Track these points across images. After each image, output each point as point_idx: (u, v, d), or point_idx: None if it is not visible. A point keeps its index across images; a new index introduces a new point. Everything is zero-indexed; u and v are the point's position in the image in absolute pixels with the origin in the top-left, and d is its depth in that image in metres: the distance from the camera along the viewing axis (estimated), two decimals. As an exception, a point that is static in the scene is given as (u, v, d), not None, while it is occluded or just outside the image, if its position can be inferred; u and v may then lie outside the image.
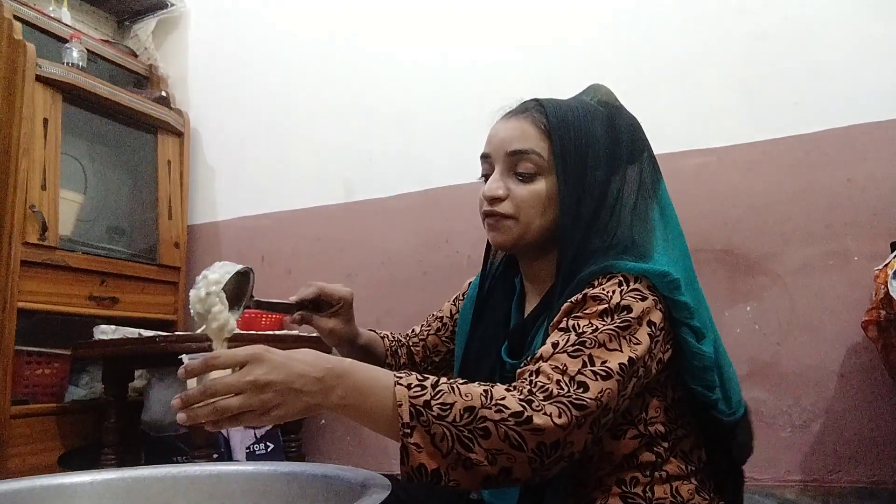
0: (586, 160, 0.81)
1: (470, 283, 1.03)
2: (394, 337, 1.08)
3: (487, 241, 0.92)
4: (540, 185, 0.82)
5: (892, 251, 1.41)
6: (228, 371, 0.65)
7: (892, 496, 1.52)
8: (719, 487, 0.83)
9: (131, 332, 1.96)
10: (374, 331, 1.06)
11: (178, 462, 1.89)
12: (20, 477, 0.85)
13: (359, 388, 0.65)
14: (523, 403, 0.64)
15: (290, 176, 2.44)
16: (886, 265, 1.38)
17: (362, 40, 2.35)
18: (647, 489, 0.75)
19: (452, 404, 0.63)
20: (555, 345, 0.70)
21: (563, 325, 0.72)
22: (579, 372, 0.67)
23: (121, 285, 2.22)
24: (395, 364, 1.04)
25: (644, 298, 0.72)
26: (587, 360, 0.68)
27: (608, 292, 0.72)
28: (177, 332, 2.23)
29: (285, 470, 0.87)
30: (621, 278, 0.73)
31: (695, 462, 0.80)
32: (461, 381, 0.67)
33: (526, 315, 0.89)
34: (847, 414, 1.59)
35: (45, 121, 2.03)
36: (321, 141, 2.39)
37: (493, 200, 0.83)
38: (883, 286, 1.35)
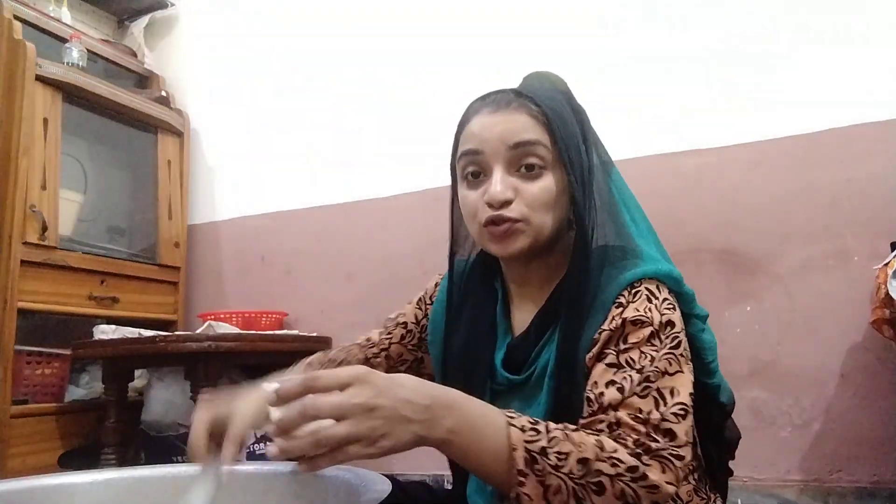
0: (579, 149, 0.78)
1: (437, 285, 0.95)
2: (354, 355, 0.96)
3: (451, 240, 0.87)
4: (547, 181, 0.75)
5: (892, 251, 1.41)
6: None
7: (892, 496, 1.52)
8: (713, 485, 0.83)
9: (131, 332, 1.96)
10: (324, 356, 0.96)
11: (178, 462, 1.89)
12: (20, 477, 0.85)
13: (470, 424, 0.59)
14: (635, 459, 0.60)
15: (290, 176, 2.44)
16: (886, 265, 1.38)
17: (362, 39, 2.35)
18: None
19: (568, 454, 0.59)
20: (620, 389, 0.65)
21: (610, 359, 0.67)
22: (663, 418, 0.63)
23: (121, 285, 2.22)
24: None
25: (674, 307, 0.70)
26: (658, 398, 0.64)
27: (645, 311, 0.68)
28: (177, 332, 2.23)
29: (285, 470, 0.87)
30: (647, 291, 0.70)
31: (692, 461, 0.80)
32: (572, 427, 0.63)
33: (514, 322, 0.84)
34: (847, 414, 1.59)
35: (45, 120, 2.03)
36: (321, 141, 2.39)
37: (503, 204, 0.74)
38: (883, 286, 1.35)
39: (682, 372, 0.66)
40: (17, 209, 1.92)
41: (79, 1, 2.61)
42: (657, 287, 0.71)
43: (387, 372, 0.91)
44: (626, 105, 1.85)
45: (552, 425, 0.62)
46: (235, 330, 1.98)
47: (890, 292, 1.30)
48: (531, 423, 0.61)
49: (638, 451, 0.61)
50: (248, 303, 2.38)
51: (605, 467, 0.59)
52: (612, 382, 0.65)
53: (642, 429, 0.62)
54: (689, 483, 0.78)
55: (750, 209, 1.74)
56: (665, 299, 0.70)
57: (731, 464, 0.86)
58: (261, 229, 2.47)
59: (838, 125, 1.68)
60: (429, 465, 1.91)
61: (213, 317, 2.12)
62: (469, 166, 0.79)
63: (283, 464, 0.84)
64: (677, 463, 0.61)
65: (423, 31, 2.25)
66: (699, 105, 1.83)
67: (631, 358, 0.66)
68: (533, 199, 0.75)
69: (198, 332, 1.87)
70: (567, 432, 0.61)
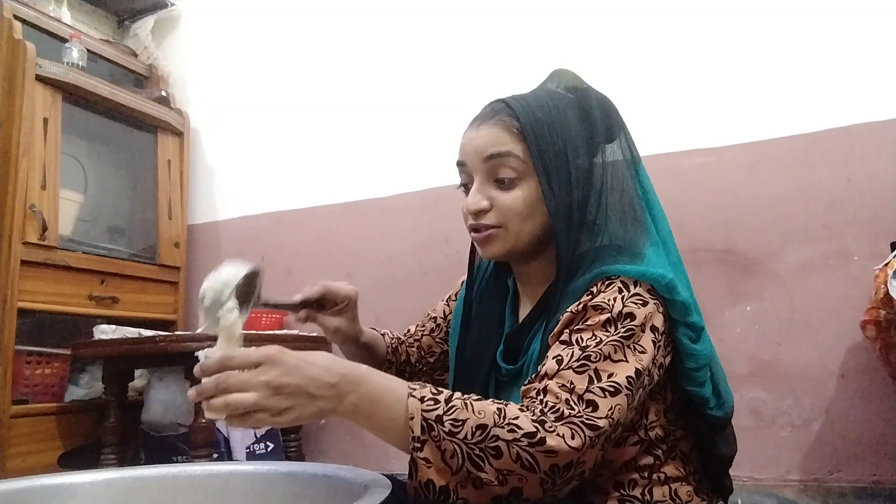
0: (566, 154, 0.79)
1: (463, 282, 1.01)
2: (394, 335, 1.07)
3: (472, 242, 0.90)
4: (523, 190, 0.79)
5: (892, 251, 1.41)
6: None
7: (892, 496, 1.52)
8: (714, 488, 0.83)
9: (131, 331, 1.96)
10: (375, 329, 1.06)
11: (178, 462, 1.89)
12: (20, 477, 0.85)
13: (371, 397, 0.65)
14: (536, 424, 0.63)
15: (290, 176, 2.44)
16: (886, 265, 1.38)
17: (362, 39, 2.35)
18: (646, 491, 0.75)
19: (465, 421, 0.63)
20: (559, 361, 0.68)
21: (564, 337, 0.71)
22: (587, 390, 0.66)
23: (121, 285, 2.22)
24: (396, 361, 1.03)
25: (646, 303, 0.71)
26: (594, 376, 0.66)
27: (609, 300, 0.70)
28: (177, 332, 2.23)
29: (285, 470, 0.87)
30: (621, 284, 0.72)
31: (693, 463, 0.80)
32: (475, 397, 0.66)
33: (521, 319, 0.87)
34: (847, 414, 1.59)
35: (45, 120, 2.03)
36: (321, 141, 2.39)
37: (478, 213, 0.80)
38: (883, 286, 1.35)
39: (625, 361, 0.68)
40: (17, 209, 1.92)
41: (79, 1, 2.62)
42: (634, 283, 0.72)
43: (418, 360, 1.04)
44: (627, 105, 1.85)
45: (456, 395, 0.66)
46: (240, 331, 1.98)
47: (890, 292, 1.30)
48: (433, 393, 0.66)
49: (542, 418, 0.64)
50: (248, 303, 2.37)
51: (502, 433, 0.62)
52: (556, 356, 0.69)
53: (564, 396, 0.66)
54: (690, 484, 0.78)
55: (750, 209, 1.74)
56: (636, 294, 0.71)
57: (732, 465, 0.86)
58: (261, 229, 2.47)
59: (838, 125, 1.68)
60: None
61: (213, 317, 2.12)
62: (461, 176, 0.85)
63: (284, 464, 0.84)
64: (589, 432, 0.63)
65: (422, 30, 2.25)
66: (699, 105, 1.83)
67: (581, 337, 0.70)
68: (507, 208, 0.79)
69: (198, 332, 1.86)
70: (468, 402, 0.65)
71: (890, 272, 1.32)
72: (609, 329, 0.69)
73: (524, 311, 0.88)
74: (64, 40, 2.23)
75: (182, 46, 2.76)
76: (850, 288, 1.60)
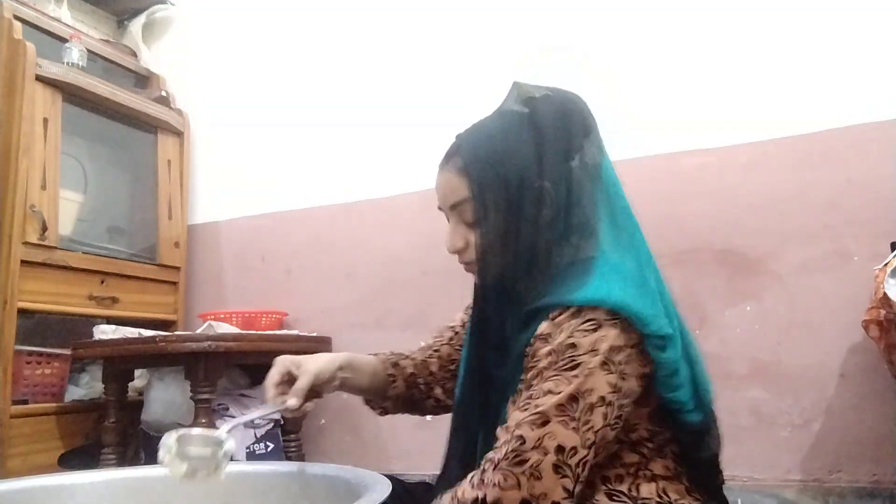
0: (507, 184, 0.78)
1: None
2: (391, 353, 1.06)
3: None
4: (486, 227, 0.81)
5: (892, 251, 1.41)
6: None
7: (892, 496, 1.52)
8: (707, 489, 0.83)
9: (131, 331, 1.96)
10: (371, 354, 1.05)
11: (178, 462, 1.88)
12: (20, 477, 0.85)
13: None
14: (477, 487, 0.67)
15: (290, 176, 2.44)
16: (886, 265, 1.38)
17: (363, 39, 2.35)
18: (632, 487, 0.75)
19: None
20: (514, 402, 0.71)
21: (523, 375, 0.73)
22: (517, 425, 0.68)
23: (121, 285, 2.22)
24: (400, 374, 1.03)
25: (597, 328, 0.69)
26: (525, 410, 0.69)
27: (555, 331, 0.71)
28: (177, 332, 2.23)
29: (285, 470, 0.87)
30: (574, 310, 0.71)
31: (686, 463, 0.79)
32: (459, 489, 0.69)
33: None
34: (847, 414, 1.59)
35: (45, 120, 2.03)
36: (321, 141, 2.39)
37: (457, 252, 0.85)
38: (882, 286, 1.35)
39: (562, 389, 0.68)
40: (17, 209, 1.92)
41: (79, 1, 2.61)
42: (592, 308, 0.71)
43: (440, 369, 1.04)
44: (626, 105, 1.85)
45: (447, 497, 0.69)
46: (235, 330, 1.98)
47: (887, 292, 1.30)
48: None
49: (482, 476, 0.68)
50: (248, 303, 2.38)
51: None
52: (513, 400, 0.73)
53: (503, 437, 0.69)
54: (682, 483, 0.78)
55: (750, 209, 1.74)
56: (589, 320, 0.70)
57: (731, 465, 0.86)
58: (261, 229, 2.47)
59: (838, 125, 1.68)
60: (429, 466, 1.91)
61: (213, 317, 2.12)
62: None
63: (283, 464, 0.84)
64: (517, 469, 0.66)
65: (422, 30, 2.25)
66: (699, 105, 1.83)
67: (526, 377, 0.72)
68: (478, 246, 0.82)
69: (198, 332, 1.86)
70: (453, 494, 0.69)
71: (888, 272, 1.32)
72: (550, 361, 0.70)
73: None
74: (64, 40, 2.23)
75: (182, 45, 2.76)
76: (850, 288, 1.60)
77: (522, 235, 0.78)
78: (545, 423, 0.67)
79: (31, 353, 2.00)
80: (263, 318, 2.21)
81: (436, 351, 1.06)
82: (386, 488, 0.70)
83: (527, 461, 0.65)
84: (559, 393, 0.67)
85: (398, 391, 1.02)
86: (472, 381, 0.88)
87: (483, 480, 0.66)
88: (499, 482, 0.65)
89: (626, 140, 1.78)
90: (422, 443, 1.96)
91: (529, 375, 0.72)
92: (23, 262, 1.91)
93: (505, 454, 0.67)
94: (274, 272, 2.42)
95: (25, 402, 1.94)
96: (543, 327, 0.73)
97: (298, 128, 2.43)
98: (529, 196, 0.78)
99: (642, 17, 1.93)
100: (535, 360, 0.72)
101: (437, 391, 1.04)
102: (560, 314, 0.72)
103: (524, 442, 0.66)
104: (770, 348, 1.68)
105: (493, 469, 0.67)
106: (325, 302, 2.28)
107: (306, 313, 2.31)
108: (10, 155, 1.94)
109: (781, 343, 1.67)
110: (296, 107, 2.44)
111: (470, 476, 0.70)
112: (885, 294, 1.32)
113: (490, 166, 0.79)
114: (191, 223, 2.57)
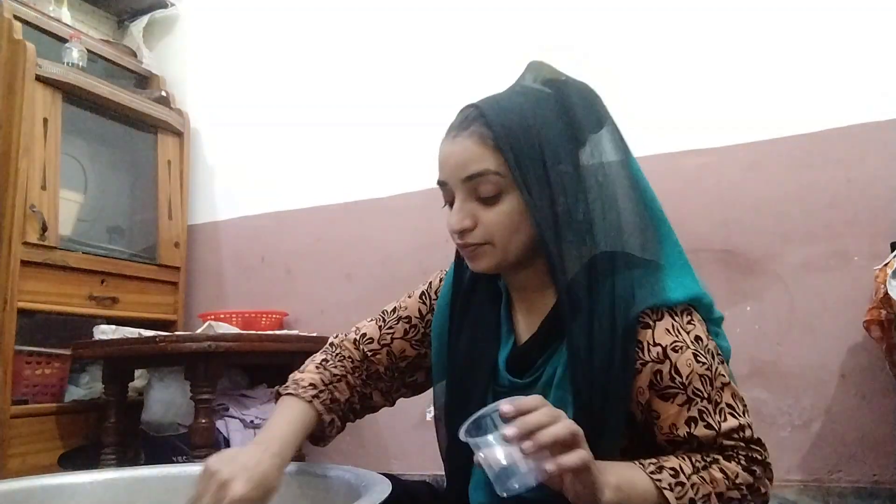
0: (545, 161, 0.75)
1: (441, 280, 0.95)
2: (319, 391, 0.87)
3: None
4: (506, 205, 0.76)
5: (892, 251, 1.41)
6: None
7: (892, 496, 1.52)
8: None
9: (131, 332, 1.96)
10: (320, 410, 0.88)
11: (178, 462, 1.89)
12: (20, 477, 0.85)
13: (623, 485, 0.68)
14: (751, 475, 0.73)
15: (290, 176, 2.44)
16: (886, 265, 1.38)
17: (363, 39, 2.35)
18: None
19: (708, 495, 0.70)
20: (708, 426, 0.73)
21: (679, 399, 0.73)
22: (750, 429, 0.75)
23: (121, 285, 2.22)
24: (338, 409, 0.90)
25: (695, 322, 0.76)
26: (725, 408, 0.74)
27: (676, 334, 0.74)
28: (177, 332, 2.23)
29: (285, 470, 0.87)
30: (671, 319, 0.74)
31: None
32: (700, 464, 0.72)
33: (517, 325, 0.85)
34: (847, 414, 1.59)
35: (45, 120, 2.03)
36: (321, 141, 2.39)
37: (463, 232, 0.78)
38: (883, 286, 1.35)
39: (722, 375, 0.75)
40: (17, 209, 1.92)
41: (79, 1, 2.61)
42: (682, 311, 0.76)
43: (388, 367, 0.94)
44: (626, 105, 1.85)
45: (687, 470, 0.71)
46: (235, 330, 1.98)
47: (889, 292, 1.30)
48: (671, 474, 0.70)
49: (752, 468, 0.74)
50: (248, 303, 2.38)
51: (734, 494, 0.72)
52: (692, 420, 0.73)
53: (743, 445, 0.74)
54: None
55: (750, 209, 1.74)
56: (691, 323, 0.76)
57: None
58: (261, 229, 2.47)
59: (838, 125, 1.68)
60: (429, 465, 1.92)
61: (213, 317, 2.12)
62: (443, 194, 0.82)
63: (283, 464, 0.83)
64: (770, 466, 0.76)
65: (422, 30, 2.25)
66: (699, 105, 1.83)
67: (696, 388, 0.73)
68: (491, 224, 0.77)
69: (198, 332, 1.86)
70: (702, 474, 0.71)
71: (889, 272, 1.32)
72: (702, 361, 0.73)
73: (523, 319, 0.85)
74: (64, 40, 2.23)
75: (182, 46, 2.76)
76: (850, 288, 1.60)
77: (559, 206, 0.74)
78: (745, 409, 0.77)
79: (31, 354, 2.00)
80: (263, 319, 2.21)
81: (385, 345, 0.94)
82: (386, 488, 0.70)
83: (759, 444, 0.76)
84: (726, 379, 0.76)
85: (336, 428, 0.91)
86: (466, 380, 0.85)
87: (754, 470, 0.74)
88: (768, 478, 0.76)
89: (626, 140, 1.78)
90: (422, 443, 1.96)
91: (679, 382, 0.73)
92: (23, 262, 1.91)
93: (760, 453, 0.75)
94: (274, 272, 2.42)
95: (25, 402, 1.94)
96: (658, 335, 0.74)
97: (298, 128, 2.43)
98: (565, 170, 0.75)
99: (642, 17, 1.93)
100: (673, 366, 0.73)
101: (376, 399, 0.95)
102: (661, 316, 0.75)
103: (761, 442, 0.76)
104: (770, 348, 1.68)
105: (760, 466, 0.75)
106: (325, 302, 2.28)
107: (306, 313, 2.31)
108: (10, 155, 1.94)
109: (781, 343, 1.67)
110: (296, 107, 2.44)
111: (730, 458, 0.74)
112: (886, 294, 1.32)
113: (523, 137, 0.75)
114: (191, 223, 2.57)
